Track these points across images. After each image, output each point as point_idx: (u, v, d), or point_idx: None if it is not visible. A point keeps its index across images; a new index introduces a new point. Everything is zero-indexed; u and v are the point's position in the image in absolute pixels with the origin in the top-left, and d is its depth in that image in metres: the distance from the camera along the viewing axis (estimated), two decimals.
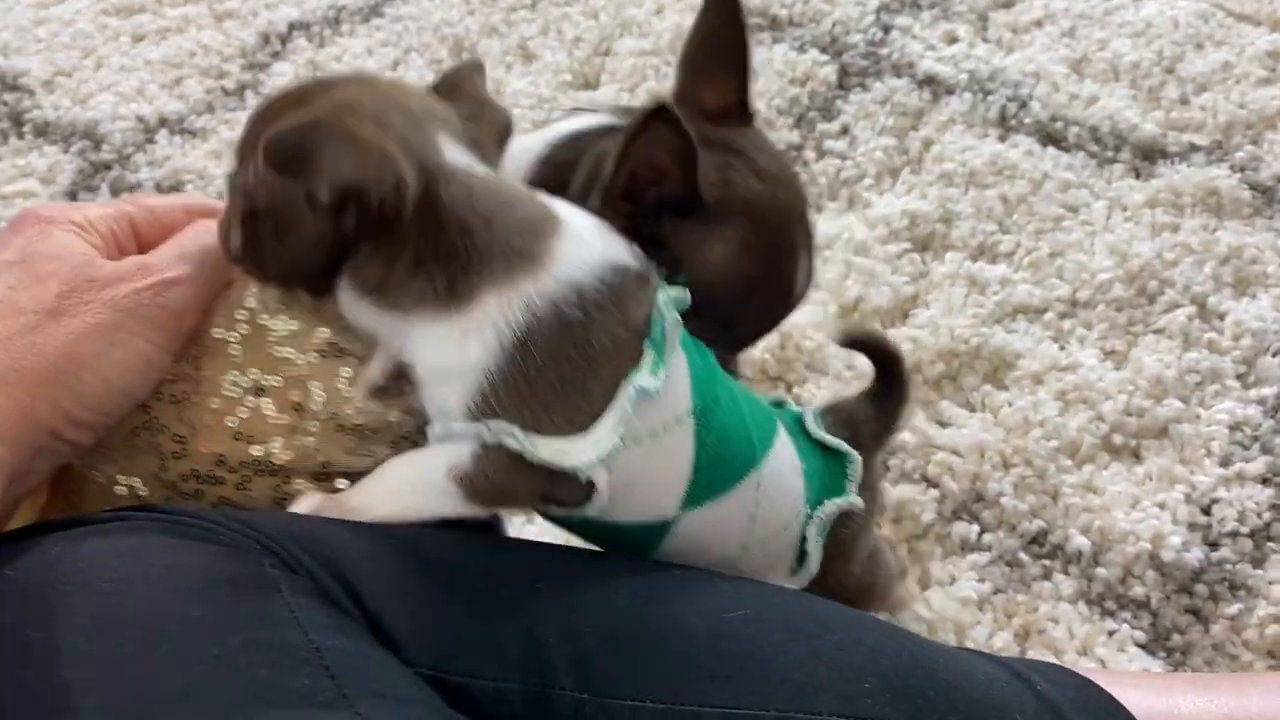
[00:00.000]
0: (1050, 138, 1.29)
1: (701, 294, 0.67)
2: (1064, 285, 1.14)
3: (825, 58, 1.41)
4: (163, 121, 1.39)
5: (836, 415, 0.77)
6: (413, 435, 0.70)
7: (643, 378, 0.59)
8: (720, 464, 0.65)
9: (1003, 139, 1.29)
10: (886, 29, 1.44)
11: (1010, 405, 1.05)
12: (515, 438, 0.58)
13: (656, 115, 0.66)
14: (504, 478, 0.60)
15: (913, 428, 1.03)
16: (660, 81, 1.41)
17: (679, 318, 0.63)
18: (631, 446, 0.60)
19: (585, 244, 0.61)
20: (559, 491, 0.61)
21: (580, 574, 0.64)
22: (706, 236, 0.72)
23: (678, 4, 1.50)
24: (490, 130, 0.64)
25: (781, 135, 1.31)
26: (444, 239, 0.58)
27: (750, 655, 0.61)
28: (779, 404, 0.77)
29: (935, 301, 1.14)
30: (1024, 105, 1.32)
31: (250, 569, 0.56)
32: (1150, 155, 1.27)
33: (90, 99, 1.43)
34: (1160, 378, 1.05)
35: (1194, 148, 1.27)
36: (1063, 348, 1.09)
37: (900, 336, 1.10)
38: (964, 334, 1.09)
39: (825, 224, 1.22)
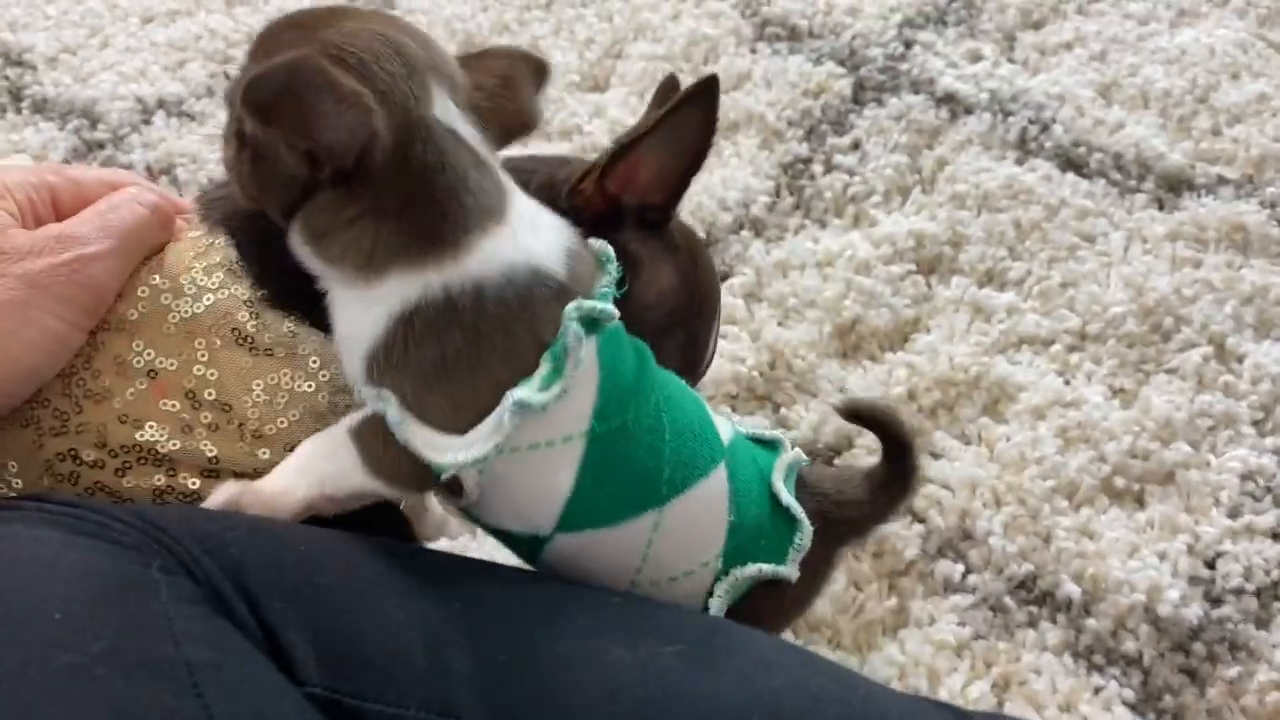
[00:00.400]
0: (1071, 163, 1.23)
1: (635, 311, 0.66)
2: (1074, 317, 1.08)
3: (842, 71, 1.36)
4: (161, 103, 1.36)
5: (826, 481, 0.71)
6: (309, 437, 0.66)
7: (525, 391, 0.56)
8: (607, 495, 0.60)
9: (1020, 162, 1.24)
10: (908, 44, 1.39)
11: (1007, 440, 0.99)
12: (392, 410, 0.58)
13: (708, 86, 0.66)
14: (382, 448, 0.59)
15: None
16: None
17: (599, 329, 0.59)
18: (507, 455, 0.58)
19: (510, 242, 0.58)
20: (433, 480, 0.59)
21: (503, 594, 0.59)
22: (662, 256, 0.72)
23: (695, 10, 1.46)
24: (501, 116, 0.62)
25: (790, 147, 1.27)
26: (389, 203, 0.57)
27: (681, 696, 0.56)
28: (773, 444, 0.70)
29: (937, 327, 1.08)
30: (1045, 128, 1.26)
31: (132, 570, 0.52)
32: (1175, 186, 1.21)
33: (92, 78, 1.41)
34: (1170, 420, 0.99)
35: (1223, 181, 1.21)
36: (1068, 382, 1.03)
37: (897, 361, 1.05)
38: (964, 362, 1.04)
39: (828, 240, 1.17)
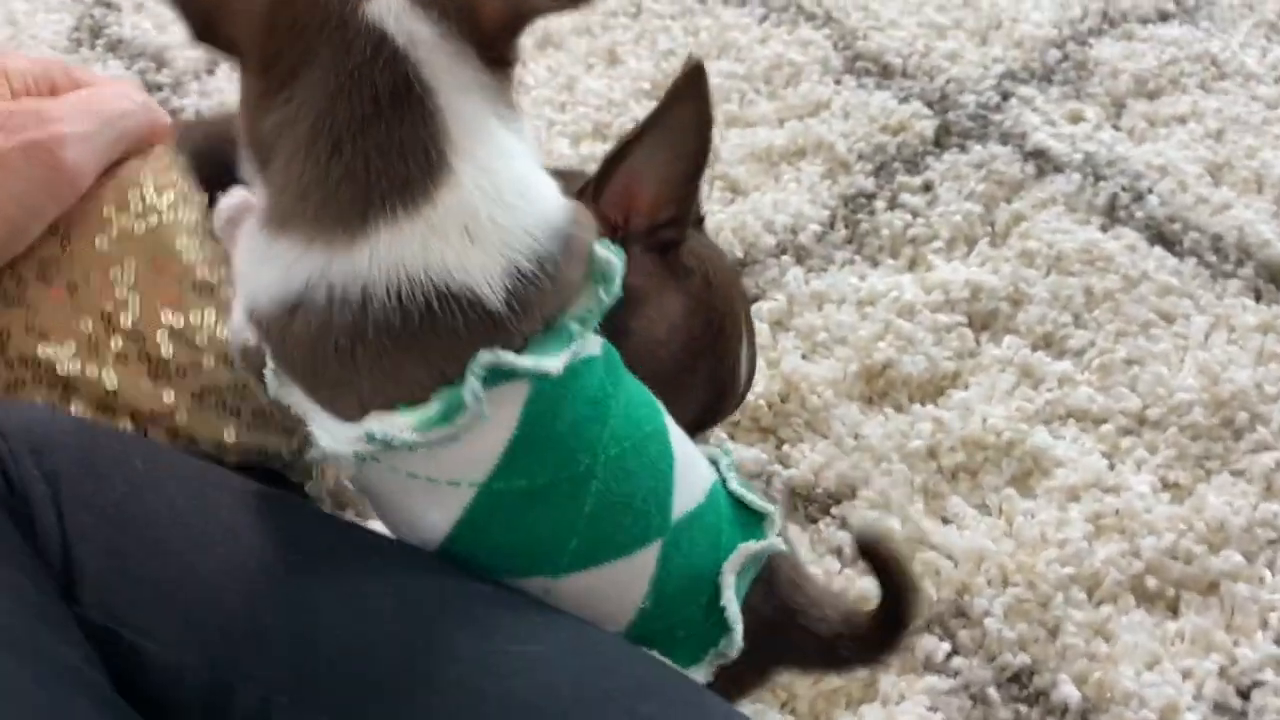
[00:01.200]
0: (1161, 237, 1.11)
1: (647, 351, 0.59)
2: (1134, 397, 0.96)
3: (928, 112, 1.26)
4: None
5: (805, 594, 0.58)
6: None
7: (388, 427, 0.47)
8: (487, 552, 0.51)
9: (1105, 229, 1.12)
10: (1005, 96, 1.29)
11: (1031, 516, 0.87)
12: (270, 366, 0.50)
13: (694, 75, 0.60)
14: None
15: (906, 516, 0.87)
16: (744, 107, 1.29)
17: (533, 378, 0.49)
18: (386, 471, 0.50)
19: (415, 243, 0.46)
20: None
21: (360, 561, 0.51)
22: (669, 284, 0.64)
23: (785, 36, 1.39)
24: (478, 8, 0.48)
25: (855, 180, 1.18)
26: (304, 118, 0.47)
27: (523, 705, 0.47)
28: (760, 517, 0.58)
29: (976, 384, 0.97)
30: (1139, 198, 1.15)
31: None
32: (1277, 277, 1.07)
33: (170, 25, 1.41)
34: (1224, 524, 0.86)
35: None
36: (1113, 466, 0.91)
37: (924, 414, 0.94)
38: (998, 425, 0.93)
39: (875, 279, 1.07)
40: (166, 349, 0.60)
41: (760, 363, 0.99)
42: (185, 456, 0.54)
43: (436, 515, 0.50)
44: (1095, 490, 0.88)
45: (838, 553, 0.85)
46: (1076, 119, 1.27)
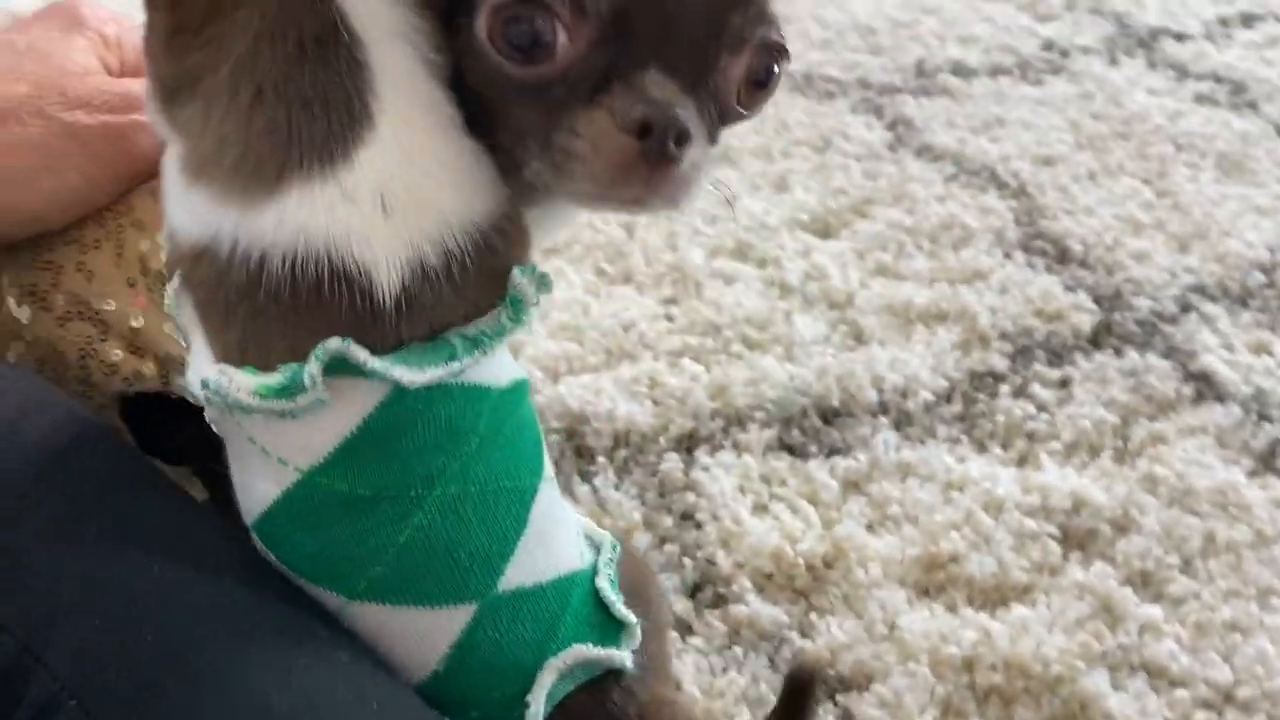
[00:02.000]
0: None
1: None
2: (1225, 668, 0.83)
3: (1093, 307, 1.17)
4: None
5: (634, 708, 0.52)
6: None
7: (229, 378, 0.45)
8: (292, 546, 0.48)
9: (1254, 474, 0.99)
10: (1185, 308, 1.18)
11: None
12: (173, 285, 0.50)
13: None
14: None
15: None
16: (899, 259, 1.23)
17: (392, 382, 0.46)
18: (230, 427, 0.48)
19: (322, 211, 0.44)
20: None
21: (196, 567, 0.49)
22: None
23: (967, 200, 1.33)
24: None
25: (988, 358, 1.10)
26: (222, 60, 0.45)
27: None
28: (621, 626, 0.52)
29: (1045, 606, 0.87)
30: None
31: None
32: None
33: None
34: None
35: None
36: None
37: (974, 621, 0.85)
38: (1050, 656, 0.82)
39: (973, 466, 0.98)
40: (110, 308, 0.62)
41: (815, 518, 0.93)
42: (72, 409, 0.54)
43: (261, 488, 0.48)
44: None
45: None
46: (1260, 350, 1.14)
